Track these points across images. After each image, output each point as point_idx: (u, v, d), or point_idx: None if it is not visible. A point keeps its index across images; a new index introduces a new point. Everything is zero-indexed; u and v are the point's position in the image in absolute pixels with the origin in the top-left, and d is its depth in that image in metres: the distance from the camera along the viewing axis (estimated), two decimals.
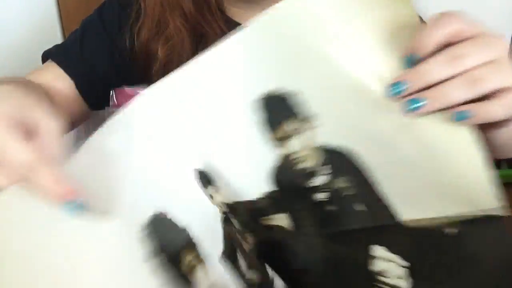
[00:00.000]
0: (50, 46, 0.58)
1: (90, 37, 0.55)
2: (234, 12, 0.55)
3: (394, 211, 0.37)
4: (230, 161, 0.39)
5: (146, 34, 0.52)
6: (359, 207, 0.38)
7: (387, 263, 0.38)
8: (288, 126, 0.38)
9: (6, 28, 0.98)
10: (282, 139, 0.39)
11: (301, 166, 0.39)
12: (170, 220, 0.38)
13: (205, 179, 0.39)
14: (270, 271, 0.41)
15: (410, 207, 0.36)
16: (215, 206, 0.40)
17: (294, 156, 0.39)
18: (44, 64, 0.55)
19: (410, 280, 0.39)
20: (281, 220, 0.42)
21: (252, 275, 0.41)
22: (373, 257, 0.39)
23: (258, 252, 0.41)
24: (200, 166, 0.38)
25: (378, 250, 0.39)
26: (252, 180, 0.40)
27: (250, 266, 0.41)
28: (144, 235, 0.36)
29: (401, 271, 0.38)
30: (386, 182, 0.37)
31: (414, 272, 0.39)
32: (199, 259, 0.39)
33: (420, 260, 0.39)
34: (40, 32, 0.98)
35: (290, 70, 0.36)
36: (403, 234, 0.37)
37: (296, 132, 0.38)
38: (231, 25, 0.51)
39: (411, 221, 0.36)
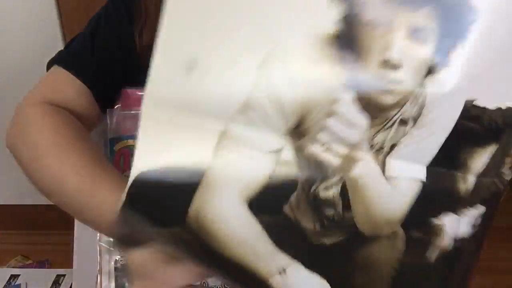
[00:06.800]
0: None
1: (100, 39, 0.53)
2: None
3: None
4: None
5: (148, 39, 0.51)
6: None
7: None
8: None
9: (5, 29, 0.99)
10: None
11: None
12: None
13: None
14: None
15: None
16: None
17: None
18: (54, 72, 0.53)
19: None
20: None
21: None
22: None
23: None
24: None
25: None
26: None
27: None
28: None
29: None
30: None
31: None
32: None
33: None
34: (40, 32, 0.98)
35: None
36: None
37: None
38: None
39: None
